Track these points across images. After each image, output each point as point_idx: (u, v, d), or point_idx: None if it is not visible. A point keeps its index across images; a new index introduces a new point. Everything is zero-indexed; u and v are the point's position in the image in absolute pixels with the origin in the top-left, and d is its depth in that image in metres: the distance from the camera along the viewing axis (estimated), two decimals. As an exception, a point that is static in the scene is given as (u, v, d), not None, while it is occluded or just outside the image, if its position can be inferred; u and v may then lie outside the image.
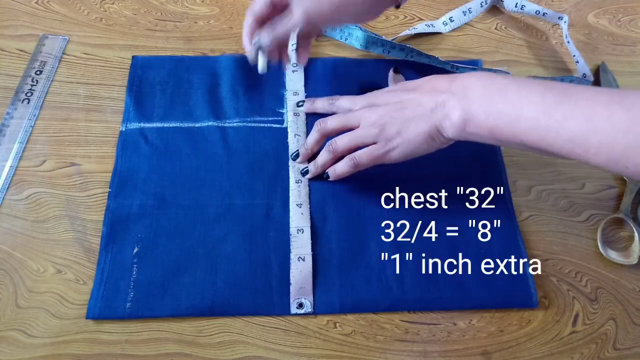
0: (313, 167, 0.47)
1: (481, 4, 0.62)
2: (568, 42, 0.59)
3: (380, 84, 0.55)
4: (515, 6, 0.61)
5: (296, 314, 0.42)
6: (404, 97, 0.43)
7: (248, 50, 0.46)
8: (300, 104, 0.51)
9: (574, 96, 0.35)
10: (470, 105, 0.38)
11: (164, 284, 0.42)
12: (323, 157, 0.46)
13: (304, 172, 0.47)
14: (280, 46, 0.46)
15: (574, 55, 0.58)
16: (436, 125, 0.40)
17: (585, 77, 0.56)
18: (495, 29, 0.62)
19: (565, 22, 0.60)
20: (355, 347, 0.41)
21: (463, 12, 0.61)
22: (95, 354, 0.39)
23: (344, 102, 0.48)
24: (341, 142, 0.44)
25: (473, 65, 0.56)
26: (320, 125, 0.46)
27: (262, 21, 0.45)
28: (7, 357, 0.38)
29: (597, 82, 0.57)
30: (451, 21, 0.61)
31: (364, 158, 0.44)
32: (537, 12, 0.61)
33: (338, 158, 0.45)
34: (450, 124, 0.39)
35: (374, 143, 0.43)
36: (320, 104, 0.50)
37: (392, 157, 0.43)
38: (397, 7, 0.49)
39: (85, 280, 0.42)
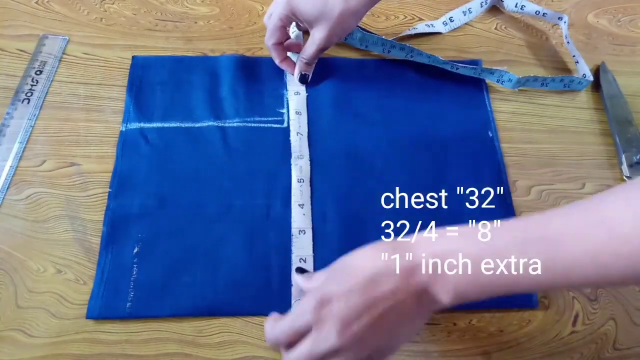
0: None
1: (481, 4, 0.62)
2: (568, 42, 0.59)
3: (381, 83, 0.55)
4: (515, 6, 0.61)
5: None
6: (368, 297, 0.33)
7: (289, 70, 0.53)
8: None
9: (557, 241, 0.31)
10: (455, 288, 0.33)
11: (164, 284, 0.42)
12: None
13: None
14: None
15: (574, 56, 0.58)
16: (428, 313, 0.35)
17: (585, 77, 0.56)
18: (495, 29, 0.62)
19: (565, 22, 0.60)
20: (355, 347, 0.41)
21: (463, 12, 0.61)
22: (95, 354, 0.39)
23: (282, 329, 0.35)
24: None
25: (473, 65, 0.56)
26: None
27: (282, 42, 0.52)
28: (7, 357, 0.38)
29: (597, 82, 0.57)
30: (451, 21, 0.61)
31: None
32: (537, 13, 0.61)
33: None
34: (443, 305, 0.34)
35: None
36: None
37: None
38: None
39: (85, 280, 0.42)
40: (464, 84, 0.55)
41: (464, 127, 0.53)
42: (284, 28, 0.51)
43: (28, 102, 0.50)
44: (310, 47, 0.50)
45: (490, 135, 0.53)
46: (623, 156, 0.52)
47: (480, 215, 0.47)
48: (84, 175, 0.47)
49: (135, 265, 0.42)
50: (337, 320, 0.32)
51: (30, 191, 0.45)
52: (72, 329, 0.40)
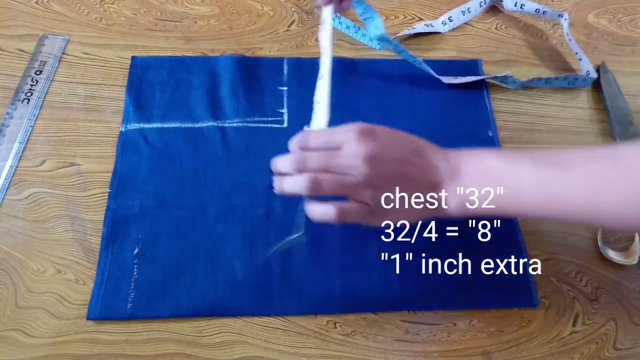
0: (278, 187, 0.39)
1: (480, 4, 0.62)
2: (570, 39, 0.59)
3: (381, 83, 0.55)
4: (515, 5, 0.61)
5: (297, 314, 0.42)
6: (403, 156, 0.38)
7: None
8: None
9: (567, 166, 0.34)
10: (465, 192, 0.37)
11: (165, 285, 0.42)
12: (295, 187, 0.37)
13: (269, 186, 0.40)
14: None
15: (576, 53, 0.58)
16: (435, 207, 0.38)
17: (588, 74, 0.56)
18: (495, 28, 0.62)
19: (565, 19, 0.60)
20: (355, 347, 0.41)
21: (462, 12, 0.61)
22: (95, 354, 0.39)
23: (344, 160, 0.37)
24: (327, 186, 0.36)
25: (473, 65, 0.56)
26: (312, 183, 0.36)
27: None
28: (7, 357, 0.38)
29: (597, 82, 0.57)
30: (450, 21, 0.61)
31: (351, 216, 0.37)
32: (537, 11, 0.61)
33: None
34: (449, 208, 0.38)
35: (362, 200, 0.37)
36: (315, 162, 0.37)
37: (380, 223, 0.38)
38: None
39: (85, 281, 0.42)
40: (464, 84, 0.55)
41: (464, 126, 0.53)
42: None
43: (28, 102, 0.50)
44: None
45: (491, 135, 0.53)
46: (623, 156, 0.51)
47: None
48: (84, 175, 0.47)
49: (135, 266, 0.42)
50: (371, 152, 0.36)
51: (30, 191, 0.45)
52: (72, 329, 0.40)
